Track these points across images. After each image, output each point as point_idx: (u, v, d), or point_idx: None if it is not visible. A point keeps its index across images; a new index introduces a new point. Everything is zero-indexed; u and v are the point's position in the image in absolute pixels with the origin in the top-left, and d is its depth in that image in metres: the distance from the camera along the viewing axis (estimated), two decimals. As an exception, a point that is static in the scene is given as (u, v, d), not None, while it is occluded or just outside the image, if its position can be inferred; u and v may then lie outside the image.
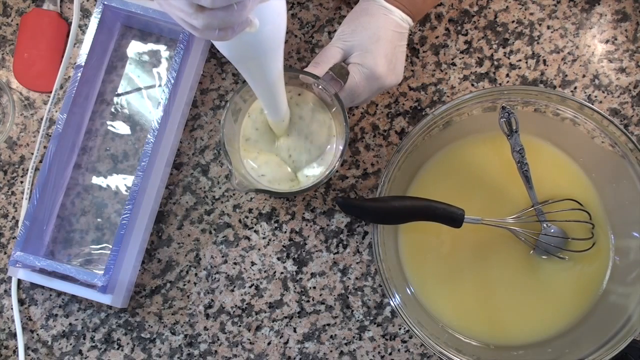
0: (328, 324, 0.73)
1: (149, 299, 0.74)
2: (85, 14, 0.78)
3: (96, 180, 0.75)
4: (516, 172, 0.68)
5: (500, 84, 0.75)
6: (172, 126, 0.73)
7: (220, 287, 0.74)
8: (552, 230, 0.70)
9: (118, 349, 0.74)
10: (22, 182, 0.76)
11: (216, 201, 0.75)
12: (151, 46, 0.77)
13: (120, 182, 0.75)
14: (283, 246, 0.74)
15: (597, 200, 0.71)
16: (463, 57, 0.75)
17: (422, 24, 0.76)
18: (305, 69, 0.65)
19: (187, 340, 0.74)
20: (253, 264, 0.74)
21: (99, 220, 0.75)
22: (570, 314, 0.70)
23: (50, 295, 0.75)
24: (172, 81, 0.70)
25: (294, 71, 0.65)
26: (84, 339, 0.74)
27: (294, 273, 0.74)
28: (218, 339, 0.74)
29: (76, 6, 0.69)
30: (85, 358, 0.74)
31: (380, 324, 0.73)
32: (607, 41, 0.75)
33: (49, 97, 0.77)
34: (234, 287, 0.74)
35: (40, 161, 0.75)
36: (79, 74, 0.71)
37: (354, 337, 0.73)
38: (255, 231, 0.75)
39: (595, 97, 0.75)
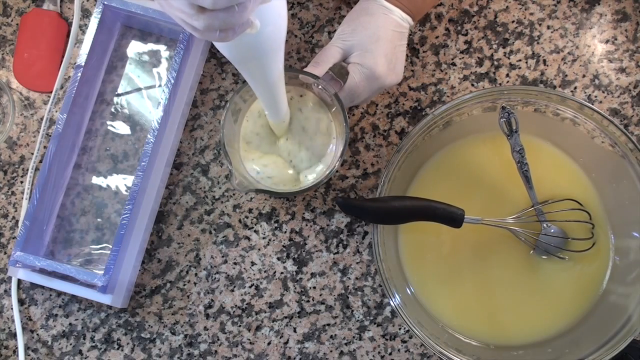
0: (328, 324, 0.73)
1: (149, 299, 0.74)
2: (85, 14, 0.78)
3: (96, 180, 0.75)
4: (516, 172, 0.68)
5: (500, 84, 0.75)
6: (172, 126, 0.73)
7: (220, 287, 0.74)
8: (552, 230, 0.70)
9: (118, 349, 0.74)
10: (22, 182, 0.76)
11: (216, 201, 0.75)
12: (151, 46, 0.77)
13: (120, 182, 0.75)
14: (283, 246, 0.74)
15: (597, 200, 0.71)
16: (463, 57, 0.75)
17: (422, 24, 0.76)
18: (305, 69, 0.65)
19: (187, 340, 0.74)
20: (253, 264, 0.74)
21: (99, 220, 0.75)
22: (570, 314, 0.70)
23: (50, 295, 0.75)
24: (172, 81, 0.70)
25: (293, 71, 0.65)
26: (84, 339, 0.74)
27: (294, 273, 0.74)
28: (218, 339, 0.74)
29: (77, 6, 0.69)
30: (85, 358, 0.74)
31: (380, 324, 0.73)
32: (607, 41, 0.75)
33: (49, 97, 0.77)
34: (234, 287, 0.74)
35: (40, 161, 0.75)
36: (79, 74, 0.71)
37: (354, 337, 0.73)
38: (255, 231, 0.75)
39: (595, 97, 0.75)
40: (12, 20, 0.78)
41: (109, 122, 0.76)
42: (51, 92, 0.75)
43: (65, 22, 0.78)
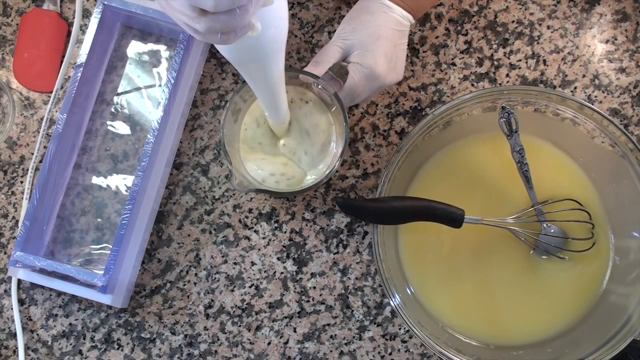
0: (328, 324, 0.73)
1: (149, 299, 0.74)
2: (85, 14, 0.78)
3: (96, 180, 0.75)
4: (516, 172, 0.68)
5: (500, 84, 0.75)
6: (172, 126, 0.73)
7: (220, 287, 0.74)
8: (552, 230, 0.70)
9: (118, 349, 0.74)
10: (22, 182, 0.76)
11: (216, 201, 0.75)
12: (151, 46, 0.77)
13: (120, 182, 0.75)
14: (283, 246, 0.74)
15: (597, 200, 0.71)
16: (463, 57, 0.75)
17: (422, 24, 0.76)
18: (305, 69, 0.65)
19: (187, 340, 0.74)
20: (253, 264, 0.74)
21: (99, 220, 0.75)
22: (570, 314, 0.70)
23: (50, 295, 0.75)
24: (172, 81, 0.70)
25: (293, 71, 0.65)
26: (84, 339, 0.74)
27: (294, 273, 0.74)
28: (218, 339, 0.74)
29: (78, 6, 0.69)
30: (85, 358, 0.74)
31: (380, 324, 0.73)
32: (607, 41, 0.75)
33: (49, 97, 0.77)
34: (234, 287, 0.74)
35: (40, 161, 0.75)
36: (79, 74, 0.71)
37: (354, 337, 0.73)
38: (255, 231, 0.75)
39: (595, 97, 0.75)
40: (12, 20, 0.78)
41: (109, 122, 0.76)
42: (51, 92, 0.75)
43: (65, 22, 0.78)
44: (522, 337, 0.70)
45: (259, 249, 0.74)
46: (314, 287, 0.74)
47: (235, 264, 0.74)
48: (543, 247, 0.69)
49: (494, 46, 0.75)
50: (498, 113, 0.66)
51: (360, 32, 0.65)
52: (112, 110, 0.76)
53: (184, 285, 0.74)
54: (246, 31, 0.44)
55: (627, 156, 0.66)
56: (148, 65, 0.77)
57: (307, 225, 0.75)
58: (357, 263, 0.74)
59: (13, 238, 0.76)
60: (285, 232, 0.75)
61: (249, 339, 0.74)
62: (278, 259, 0.74)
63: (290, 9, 0.77)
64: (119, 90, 0.77)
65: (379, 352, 0.73)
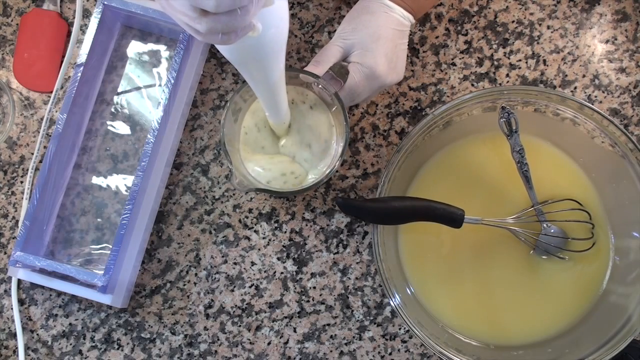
0: (328, 324, 0.73)
1: (149, 299, 0.74)
2: (85, 14, 0.78)
3: (96, 180, 0.75)
4: (516, 172, 0.68)
5: (500, 84, 0.75)
6: (172, 126, 0.73)
7: (220, 287, 0.74)
8: (552, 230, 0.70)
9: (118, 349, 0.74)
10: (22, 182, 0.76)
11: (216, 201, 0.75)
12: (151, 46, 0.77)
13: (120, 182, 0.75)
14: (283, 246, 0.74)
15: (597, 200, 0.71)
16: (463, 57, 0.75)
17: (422, 24, 0.76)
18: (305, 68, 0.65)
19: (187, 340, 0.74)
20: (253, 264, 0.74)
21: (99, 220, 0.75)
22: (570, 314, 0.70)
23: (50, 295, 0.75)
24: (172, 81, 0.70)
25: (294, 71, 0.65)
26: (84, 339, 0.74)
27: (294, 273, 0.74)
28: (218, 339, 0.74)
29: (78, 6, 0.69)
30: (85, 358, 0.74)
31: (380, 324, 0.73)
32: (607, 41, 0.75)
33: (49, 97, 0.77)
34: (234, 287, 0.74)
35: (40, 161, 0.75)
36: (79, 74, 0.71)
37: (354, 337, 0.73)
38: (255, 231, 0.75)
39: (595, 97, 0.75)
40: (12, 20, 0.78)
41: (109, 122, 0.76)
42: (51, 92, 0.75)
43: (65, 22, 0.78)
44: (522, 337, 0.70)
45: (259, 249, 0.74)
46: (314, 287, 0.74)
47: (235, 264, 0.74)
48: (543, 247, 0.69)
49: (494, 46, 0.75)
50: (498, 113, 0.66)
51: (360, 32, 0.65)
52: (112, 110, 0.76)
53: (184, 285, 0.74)
54: (247, 31, 0.44)
55: (627, 156, 0.66)
56: (148, 65, 0.77)
57: (307, 225, 0.75)
58: (357, 263, 0.74)
59: (13, 238, 0.76)
60: (285, 232, 0.75)
61: (249, 339, 0.74)
62: (278, 259, 0.74)
63: (290, 9, 0.76)
64: (119, 90, 0.77)
65: (379, 352, 0.73)
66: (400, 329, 0.73)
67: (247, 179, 0.66)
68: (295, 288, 0.74)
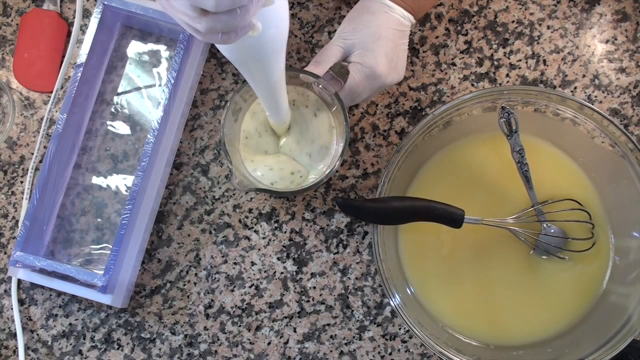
0: (328, 324, 0.73)
1: (149, 299, 0.74)
2: (85, 14, 0.78)
3: (96, 180, 0.75)
4: (516, 172, 0.68)
5: (500, 84, 0.75)
6: (172, 126, 0.73)
7: (220, 287, 0.74)
8: (552, 230, 0.70)
9: (118, 349, 0.74)
10: (22, 182, 0.76)
11: (216, 201, 0.75)
12: (151, 46, 0.77)
13: (120, 182, 0.75)
14: (283, 246, 0.74)
15: (597, 200, 0.71)
16: (463, 57, 0.76)
17: (422, 24, 0.76)
18: (306, 68, 0.65)
19: (187, 340, 0.74)
20: (253, 264, 0.74)
21: (99, 220, 0.75)
22: (570, 314, 0.70)
23: (50, 295, 0.75)
24: (172, 81, 0.70)
25: (294, 71, 0.65)
26: (84, 339, 0.74)
27: (294, 273, 0.74)
28: (218, 339, 0.74)
29: (78, 6, 0.69)
30: (85, 358, 0.74)
31: (380, 324, 0.73)
32: (607, 41, 0.75)
33: (49, 97, 0.77)
34: (234, 287, 0.74)
35: (40, 161, 0.75)
36: (79, 74, 0.71)
37: (354, 337, 0.73)
38: (255, 231, 0.75)
39: (595, 97, 0.75)
40: (12, 20, 0.78)
41: (109, 122, 0.76)
42: (51, 92, 0.75)
43: (65, 22, 0.78)
44: (522, 337, 0.70)
45: (259, 249, 0.74)
46: (314, 287, 0.74)
47: (235, 264, 0.74)
48: (543, 247, 0.69)
49: (494, 46, 0.75)
50: (498, 113, 0.66)
51: (361, 32, 0.65)
52: (112, 110, 0.76)
53: (184, 285, 0.74)
54: (247, 31, 0.44)
55: (627, 156, 0.66)
56: (148, 65, 0.77)
57: (307, 225, 0.75)
58: (357, 263, 0.74)
59: (13, 238, 0.76)
60: (285, 232, 0.75)
61: (249, 339, 0.74)
62: (278, 259, 0.74)
63: (290, 9, 0.76)
64: (119, 90, 0.77)
65: (379, 352, 0.73)
66: (400, 329, 0.73)
67: (247, 179, 0.66)
68: (295, 288, 0.74)
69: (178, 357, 0.74)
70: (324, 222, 0.74)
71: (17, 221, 0.76)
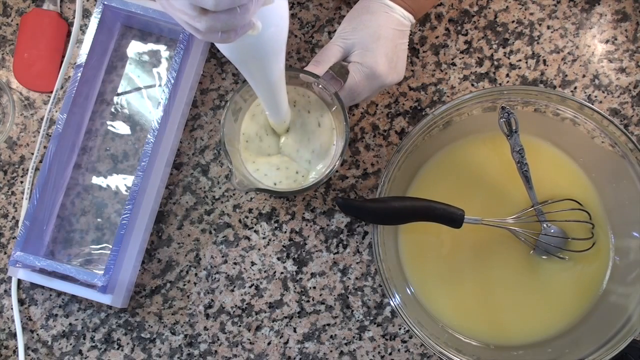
0: (328, 324, 0.73)
1: (149, 299, 0.74)
2: (85, 14, 0.78)
3: (96, 180, 0.75)
4: (516, 172, 0.68)
5: (500, 84, 0.75)
6: (172, 126, 0.73)
7: (220, 287, 0.74)
8: (552, 230, 0.70)
9: (118, 349, 0.74)
10: (22, 182, 0.76)
11: (216, 201, 0.75)
12: (151, 46, 0.77)
13: (120, 182, 0.75)
14: (283, 246, 0.74)
15: (597, 200, 0.71)
16: (463, 57, 0.76)
17: (422, 24, 0.76)
18: (306, 68, 0.65)
19: (187, 340, 0.74)
20: (253, 264, 0.74)
21: (99, 220, 0.75)
22: (570, 314, 0.70)
23: (50, 295, 0.75)
24: (172, 81, 0.70)
25: (294, 71, 0.65)
26: (84, 339, 0.74)
27: (294, 273, 0.74)
28: (218, 339, 0.74)
29: (78, 6, 0.69)
30: (85, 358, 0.74)
31: (380, 324, 0.73)
32: (607, 41, 0.75)
33: (49, 97, 0.77)
34: (234, 287, 0.74)
35: (40, 161, 0.75)
36: (79, 74, 0.71)
37: (354, 337, 0.73)
38: (255, 231, 0.75)
39: (595, 97, 0.75)
40: (12, 20, 0.78)
41: (109, 122, 0.76)
42: (51, 92, 0.75)
43: (65, 22, 0.78)
44: (522, 337, 0.70)
45: (259, 249, 0.74)
46: (314, 287, 0.74)
47: (235, 264, 0.74)
48: (543, 247, 0.69)
49: (494, 46, 0.75)
50: (498, 113, 0.66)
51: (360, 32, 0.65)
52: (112, 110, 0.76)
53: (184, 285, 0.74)
54: (247, 30, 0.44)
55: (627, 156, 0.66)
56: (148, 65, 0.77)
57: (307, 225, 0.75)
58: (357, 263, 0.74)
59: (13, 238, 0.76)
60: (285, 232, 0.75)
61: (249, 339, 0.74)
62: (278, 259, 0.74)
63: (290, 9, 0.76)
64: (119, 90, 0.77)
65: (379, 352, 0.73)
66: (400, 329, 0.73)
67: (248, 178, 0.66)
68: (295, 288, 0.74)
69: (178, 357, 0.74)
70: (324, 222, 0.74)
71: (17, 221, 0.76)
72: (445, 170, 0.72)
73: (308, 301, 0.74)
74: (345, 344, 0.73)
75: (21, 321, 0.74)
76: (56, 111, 0.76)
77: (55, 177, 0.72)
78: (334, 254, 0.74)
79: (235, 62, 0.53)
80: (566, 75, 0.75)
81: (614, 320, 0.66)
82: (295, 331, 0.73)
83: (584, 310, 0.70)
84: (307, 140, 0.68)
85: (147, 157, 0.69)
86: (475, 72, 0.75)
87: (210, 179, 0.75)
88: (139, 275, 0.74)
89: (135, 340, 0.74)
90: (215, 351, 0.74)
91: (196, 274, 0.74)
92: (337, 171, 0.75)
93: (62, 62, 0.76)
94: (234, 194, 0.75)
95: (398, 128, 0.75)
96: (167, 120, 0.72)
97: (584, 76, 0.75)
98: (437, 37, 0.76)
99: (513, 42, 0.75)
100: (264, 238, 0.74)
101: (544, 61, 0.75)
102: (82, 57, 0.71)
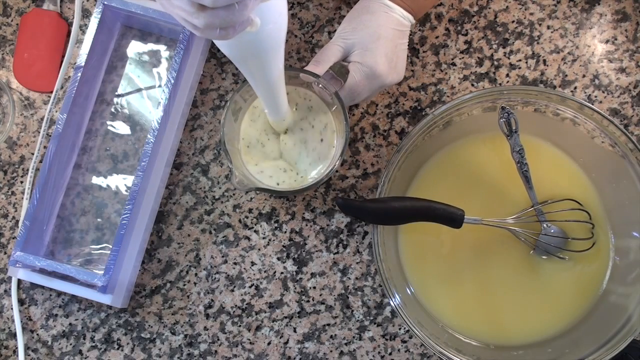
0: (328, 324, 0.73)
1: (149, 299, 0.74)
2: (85, 14, 0.78)
3: (96, 180, 0.75)
4: (516, 172, 0.68)
5: (500, 84, 0.75)
6: (172, 126, 0.73)
7: (220, 287, 0.74)
8: (552, 230, 0.70)
9: (118, 349, 0.74)
10: (22, 182, 0.76)
11: (216, 201, 0.75)
12: (151, 46, 0.77)
13: (120, 182, 0.75)
14: (283, 246, 0.74)
15: (597, 200, 0.71)
16: (463, 57, 0.76)
17: (422, 24, 0.76)
18: (306, 68, 0.65)
19: (187, 340, 0.74)
20: (253, 264, 0.74)
21: (99, 220, 0.75)
22: (570, 314, 0.70)
23: (50, 295, 0.75)
24: (172, 81, 0.70)
25: (294, 70, 0.65)
26: (84, 339, 0.74)
27: (294, 273, 0.74)
28: (218, 339, 0.74)
29: (78, 6, 0.69)
30: (85, 358, 0.74)
31: (380, 324, 0.73)
32: (607, 41, 0.75)
33: (49, 97, 0.77)
34: (234, 287, 0.74)
35: (40, 161, 0.75)
36: (79, 74, 0.71)
37: (354, 337, 0.73)
38: (255, 231, 0.75)
39: (595, 97, 0.75)
40: (12, 20, 0.78)
41: (109, 122, 0.76)
42: (51, 92, 0.75)
43: (65, 22, 0.78)
44: (522, 337, 0.70)
45: (259, 249, 0.74)
46: (314, 287, 0.74)
47: (235, 264, 0.74)
48: (543, 247, 0.69)
49: (494, 46, 0.75)
50: (498, 113, 0.66)
51: (360, 32, 0.65)
52: (112, 110, 0.76)
53: (184, 285, 0.74)
54: (245, 26, 0.44)
55: (627, 156, 0.66)
56: (148, 65, 0.77)
57: (307, 225, 0.75)
58: (357, 263, 0.74)
59: (13, 238, 0.76)
60: (285, 232, 0.75)
61: (249, 339, 0.74)
62: (278, 259, 0.74)
63: (290, 9, 0.77)
64: (119, 91, 0.77)
65: (379, 352, 0.73)
66: (400, 329, 0.73)
67: (248, 178, 0.66)
68: (295, 288, 0.74)
69: (178, 357, 0.74)
70: (324, 222, 0.74)
71: (17, 221, 0.76)
72: (445, 170, 0.72)
73: (308, 301, 0.74)
74: (345, 344, 0.73)
75: (21, 321, 0.74)
76: (56, 111, 0.76)
77: (55, 177, 0.72)
78: (334, 254, 0.74)
79: (234, 59, 0.53)
80: (566, 75, 0.75)
81: (614, 320, 0.66)
82: (295, 331, 0.73)
83: (583, 310, 0.70)
84: (307, 140, 0.68)
85: (147, 157, 0.69)
86: (475, 72, 0.75)
87: (210, 179, 0.75)
88: (139, 275, 0.74)
89: (135, 340, 0.74)
90: (215, 351, 0.74)
91: (196, 274, 0.74)
92: (337, 171, 0.75)
93: (62, 62, 0.76)
94: (234, 194, 0.75)
95: (398, 128, 0.75)
96: (167, 120, 0.72)
97: (584, 76, 0.75)
98: (437, 37, 0.76)
99: (513, 42, 0.75)
100: (264, 238, 0.74)
101: (544, 61, 0.75)
102: (82, 57, 0.71)
